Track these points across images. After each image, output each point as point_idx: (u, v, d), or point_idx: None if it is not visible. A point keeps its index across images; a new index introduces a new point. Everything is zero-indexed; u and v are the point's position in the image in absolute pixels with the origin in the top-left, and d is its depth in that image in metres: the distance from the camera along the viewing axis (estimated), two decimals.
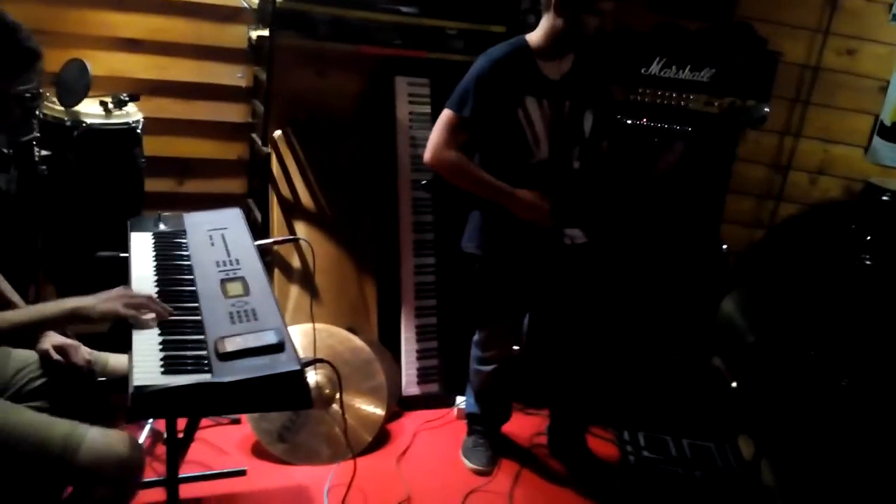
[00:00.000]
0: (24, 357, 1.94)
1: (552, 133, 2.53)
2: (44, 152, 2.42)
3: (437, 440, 3.00)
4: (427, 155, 2.54)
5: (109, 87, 2.76)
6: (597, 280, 2.75)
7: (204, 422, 2.82)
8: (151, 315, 1.73)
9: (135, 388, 1.49)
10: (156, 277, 1.97)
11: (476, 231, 2.65)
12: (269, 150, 2.97)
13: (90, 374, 1.91)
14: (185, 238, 2.19)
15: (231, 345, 1.62)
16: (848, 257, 3.32)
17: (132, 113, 2.71)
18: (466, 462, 2.86)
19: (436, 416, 3.13)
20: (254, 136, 3.10)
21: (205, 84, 3.05)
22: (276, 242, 2.58)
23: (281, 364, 1.59)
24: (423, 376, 3.19)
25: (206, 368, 1.58)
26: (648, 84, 3.13)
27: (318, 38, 2.93)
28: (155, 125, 2.86)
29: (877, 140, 3.52)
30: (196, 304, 1.82)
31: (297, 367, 1.59)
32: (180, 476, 2.11)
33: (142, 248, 2.13)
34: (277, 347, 1.64)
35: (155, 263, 2.04)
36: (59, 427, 1.68)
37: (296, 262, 3.03)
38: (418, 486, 2.69)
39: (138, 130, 2.69)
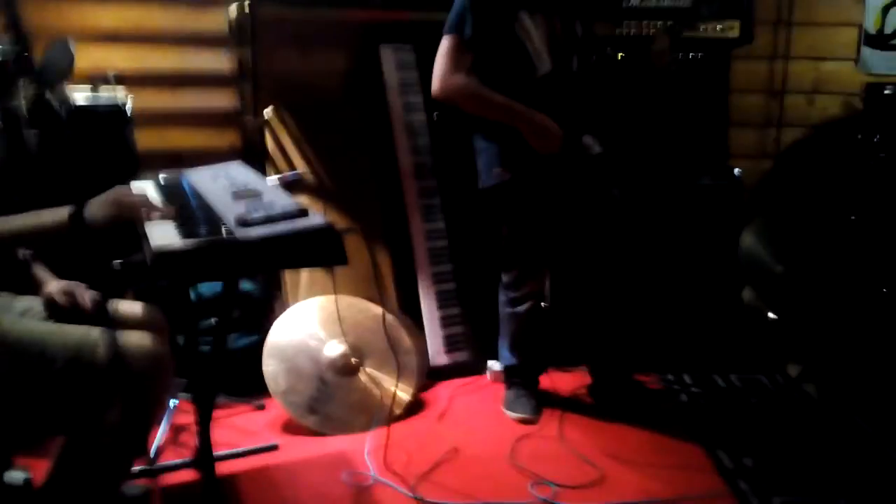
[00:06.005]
0: (28, 302, 1.82)
1: (552, 45, 2.51)
2: (33, 132, 2.34)
3: (476, 401, 2.85)
4: (435, 85, 2.51)
5: None
6: (619, 218, 2.69)
7: (226, 410, 2.66)
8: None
9: (154, 250, 1.37)
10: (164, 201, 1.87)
11: (495, 161, 2.56)
12: (262, 123, 2.91)
13: (99, 313, 1.78)
14: (188, 179, 2.10)
15: (251, 215, 1.51)
16: (860, 165, 3.25)
17: (119, 94, 2.66)
18: (511, 413, 2.70)
19: (470, 382, 2.98)
20: (246, 117, 3.03)
21: (188, 71, 3.00)
22: (282, 180, 2.47)
23: (308, 221, 1.49)
24: (451, 344, 3.05)
25: (229, 232, 1.46)
26: (632, 16, 3.10)
27: (300, 3, 2.89)
28: (141, 117, 2.79)
29: (865, 49, 3.50)
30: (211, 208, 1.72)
31: (326, 223, 1.48)
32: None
33: (145, 189, 2.03)
34: (301, 213, 1.53)
35: (162, 196, 1.94)
36: (74, 331, 1.55)
37: None
38: (464, 440, 2.53)
39: (127, 110, 2.62)
